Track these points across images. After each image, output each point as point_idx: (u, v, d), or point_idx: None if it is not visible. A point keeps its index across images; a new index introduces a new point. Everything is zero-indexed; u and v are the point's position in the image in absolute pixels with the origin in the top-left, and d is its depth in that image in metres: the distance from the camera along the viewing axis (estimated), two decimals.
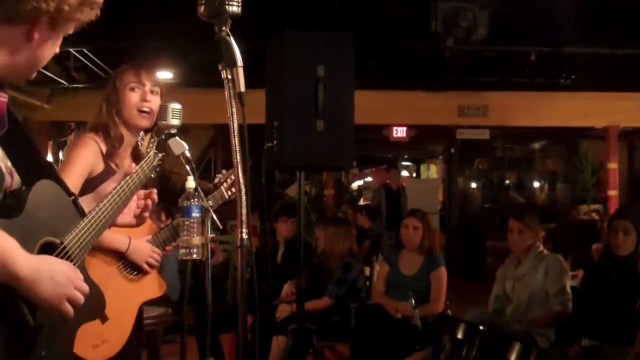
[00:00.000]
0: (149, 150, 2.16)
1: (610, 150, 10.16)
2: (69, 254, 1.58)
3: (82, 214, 1.70)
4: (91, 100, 2.78)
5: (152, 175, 2.13)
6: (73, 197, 1.68)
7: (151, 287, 2.70)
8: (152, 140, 2.19)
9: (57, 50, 1.54)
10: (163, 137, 2.20)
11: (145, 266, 2.61)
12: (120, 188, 1.92)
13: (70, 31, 1.52)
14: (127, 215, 2.03)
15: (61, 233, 1.59)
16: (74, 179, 2.39)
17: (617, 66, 7.77)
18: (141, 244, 2.61)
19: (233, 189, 2.98)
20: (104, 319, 2.41)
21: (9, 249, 1.36)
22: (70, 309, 1.47)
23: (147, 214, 2.14)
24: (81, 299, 1.49)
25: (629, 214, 3.92)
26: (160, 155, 2.17)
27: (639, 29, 6.41)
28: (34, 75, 1.54)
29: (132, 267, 2.61)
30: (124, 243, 2.55)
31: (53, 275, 1.43)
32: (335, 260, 4.89)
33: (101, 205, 1.79)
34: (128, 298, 2.60)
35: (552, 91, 9.16)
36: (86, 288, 1.51)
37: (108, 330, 2.43)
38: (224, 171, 2.95)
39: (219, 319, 4.21)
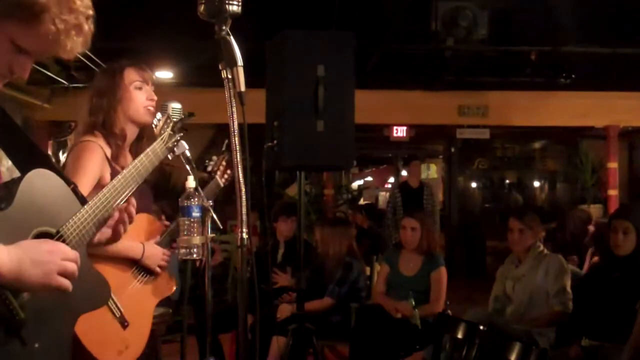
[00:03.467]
0: (162, 131, 2.13)
1: (611, 150, 10.16)
2: (65, 244, 1.54)
3: (82, 202, 1.65)
4: (95, 97, 2.76)
5: (169, 157, 2.09)
6: (72, 186, 1.64)
7: (162, 286, 2.71)
8: (168, 121, 2.16)
9: (25, 70, 1.49)
10: (182, 117, 2.17)
11: (158, 270, 2.62)
12: (128, 172, 1.85)
13: (45, 49, 1.48)
14: (105, 232, 1.80)
15: (59, 222, 1.55)
16: (84, 188, 2.32)
17: (617, 66, 7.76)
18: (154, 248, 2.61)
19: (226, 175, 2.97)
20: (125, 324, 2.43)
21: None
22: (64, 282, 1.43)
23: (122, 230, 1.86)
24: (73, 267, 1.45)
25: (629, 213, 3.92)
26: (177, 135, 2.12)
27: (639, 29, 6.40)
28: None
29: (145, 271, 2.61)
30: (139, 250, 2.55)
31: (34, 257, 1.39)
32: (335, 260, 4.88)
33: (105, 191, 1.72)
34: (144, 301, 2.61)
35: (552, 91, 9.16)
36: (75, 255, 1.47)
37: (130, 335, 2.45)
38: (214, 157, 2.92)
39: (219, 318, 4.21)
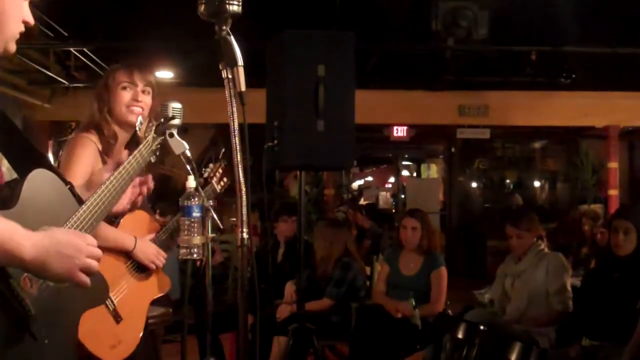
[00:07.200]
0: (147, 134, 2.16)
1: (611, 150, 10.17)
2: None
3: (79, 201, 1.70)
4: (92, 99, 2.79)
5: (152, 160, 2.13)
6: (69, 186, 1.69)
7: (157, 285, 2.72)
8: (151, 124, 2.19)
9: (31, 16, 1.51)
10: (162, 120, 2.20)
11: (152, 266, 2.64)
12: (119, 173, 1.92)
13: None
14: (121, 202, 2.05)
15: (60, 221, 1.59)
16: (77, 181, 2.37)
17: (617, 65, 7.77)
18: (147, 244, 2.64)
19: (222, 182, 3.02)
20: (118, 319, 2.43)
21: (12, 233, 1.35)
22: (85, 279, 1.46)
23: (140, 200, 2.20)
24: (95, 265, 1.48)
25: (629, 213, 3.91)
26: (159, 139, 2.16)
27: (639, 28, 6.41)
28: (10, 45, 1.50)
29: (139, 267, 2.63)
30: (131, 242, 2.57)
31: (60, 249, 1.41)
32: (329, 261, 4.87)
33: (99, 191, 1.79)
34: (139, 298, 2.62)
35: (553, 90, 9.17)
36: (99, 252, 1.50)
37: (123, 330, 2.46)
38: (210, 165, 2.96)
39: (219, 318, 4.20)
